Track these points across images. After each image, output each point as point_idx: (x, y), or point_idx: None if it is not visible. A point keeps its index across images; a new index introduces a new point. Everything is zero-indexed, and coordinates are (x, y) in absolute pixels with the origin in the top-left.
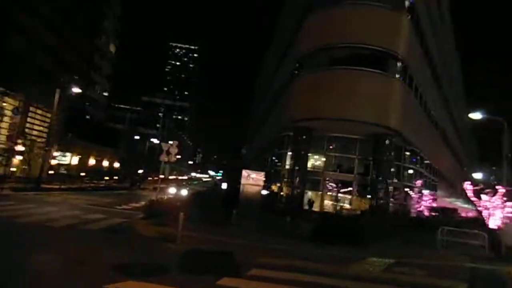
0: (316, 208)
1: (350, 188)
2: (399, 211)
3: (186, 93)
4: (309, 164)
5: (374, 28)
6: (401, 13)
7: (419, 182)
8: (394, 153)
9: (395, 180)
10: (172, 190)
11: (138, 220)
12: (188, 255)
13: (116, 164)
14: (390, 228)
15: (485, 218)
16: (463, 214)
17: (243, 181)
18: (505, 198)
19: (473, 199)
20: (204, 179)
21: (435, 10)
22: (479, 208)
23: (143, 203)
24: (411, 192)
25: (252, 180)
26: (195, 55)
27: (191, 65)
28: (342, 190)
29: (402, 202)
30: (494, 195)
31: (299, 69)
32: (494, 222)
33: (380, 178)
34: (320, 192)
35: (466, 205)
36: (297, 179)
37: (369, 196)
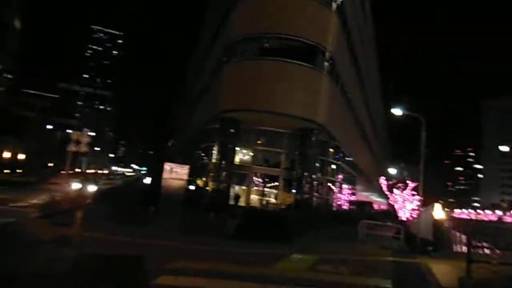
0: (242, 203)
1: (276, 183)
2: (322, 205)
3: (109, 81)
4: (236, 158)
5: (306, 20)
6: (331, 8)
7: (340, 177)
8: (319, 148)
9: (319, 175)
10: (76, 185)
11: (33, 219)
12: (81, 262)
13: (22, 156)
14: (314, 222)
15: (396, 211)
16: (376, 207)
17: (165, 175)
18: (414, 192)
19: (387, 193)
20: (127, 174)
21: (360, 11)
22: (390, 201)
23: (45, 199)
24: (333, 187)
25: (176, 174)
26: (119, 41)
27: (115, 52)
28: (268, 185)
29: (325, 197)
30: (404, 189)
31: (227, 57)
32: (404, 215)
33: (306, 173)
34: (247, 187)
35: (380, 199)
36: (223, 173)
37: (294, 191)
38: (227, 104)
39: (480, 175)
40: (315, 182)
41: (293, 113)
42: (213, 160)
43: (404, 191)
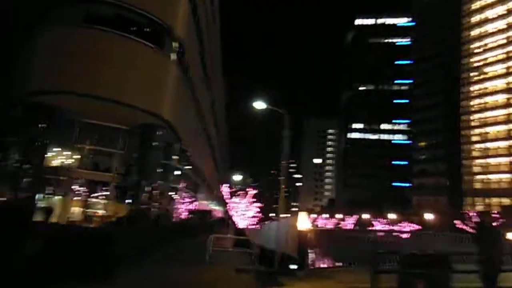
0: (55, 218)
1: (106, 192)
2: (162, 217)
3: None
4: (50, 159)
5: None
6: None
7: (183, 184)
8: (162, 150)
9: (161, 182)
10: None
11: None
12: None
13: None
14: (151, 239)
15: (231, 218)
16: (215, 215)
17: None
18: (253, 199)
19: (228, 200)
20: None
21: (209, 3)
22: (228, 209)
23: None
24: (175, 196)
25: None
26: None
27: None
28: (95, 194)
29: (166, 207)
30: (245, 196)
31: (41, 21)
32: (243, 223)
33: (144, 180)
34: (65, 197)
35: (218, 207)
36: (27, 179)
37: (129, 201)
38: (37, 83)
39: (299, 183)
40: (155, 191)
41: (132, 103)
42: (13, 162)
43: (244, 199)
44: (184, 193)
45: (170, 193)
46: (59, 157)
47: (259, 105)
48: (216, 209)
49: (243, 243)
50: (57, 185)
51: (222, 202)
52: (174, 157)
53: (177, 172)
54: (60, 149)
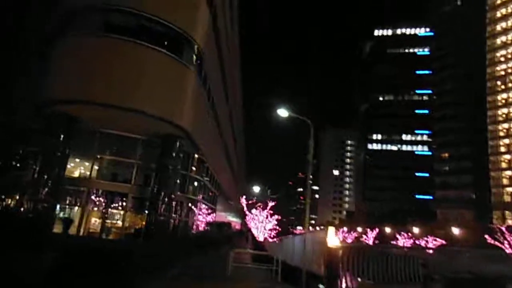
0: (74, 230)
1: (125, 203)
2: (181, 229)
3: None
4: (69, 170)
5: (172, 1)
6: None
7: (201, 195)
8: (181, 160)
9: (180, 193)
10: None
11: None
12: None
13: None
14: (171, 253)
15: (250, 230)
16: (234, 227)
17: None
18: (271, 212)
19: (247, 212)
20: None
21: (228, 12)
22: (246, 221)
23: None
24: (193, 207)
25: None
26: None
27: None
28: (114, 205)
29: (185, 219)
30: (264, 208)
31: (62, 29)
32: (261, 235)
33: (163, 191)
34: (83, 208)
35: (235, 219)
36: (45, 189)
37: (147, 212)
38: (57, 92)
39: (316, 196)
40: (173, 202)
41: (152, 113)
42: (33, 172)
43: (263, 211)
44: (202, 204)
45: (188, 204)
46: (78, 168)
47: (282, 112)
48: (234, 221)
49: (262, 257)
50: (76, 196)
51: (240, 214)
52: (192, 168)
53: (195, 183)
54: (79, 159)
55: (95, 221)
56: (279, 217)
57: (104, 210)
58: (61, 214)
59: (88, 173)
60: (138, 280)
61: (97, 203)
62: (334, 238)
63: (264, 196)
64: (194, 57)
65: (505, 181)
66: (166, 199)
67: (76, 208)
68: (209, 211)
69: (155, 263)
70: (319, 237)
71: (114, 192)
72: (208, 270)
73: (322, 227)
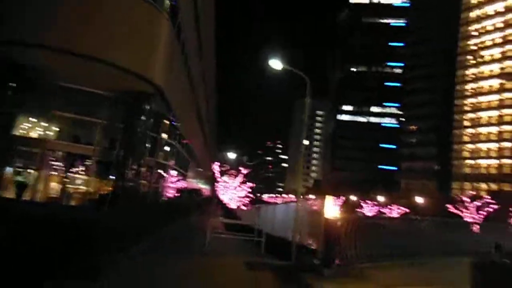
0: (29, 195)
1: (87, 167)
2: (151, 196)
3: None
4: (21, 128)
5: None
6: None
7: (172, 162)
8: (152, 121)
9: (149, 158)
10: None
11: None
12: None
13: None
14: (141, 222)
15: (218, 197)
16: (205, 194)
17: None
18: (245, 179)
19: (219, 179)
20: None
21: None
22: (217, 188)
23: None
24: (164, 173)
25: None
26: None
27: None
28: (75, 169)
29: (155, 185)
30: (237, 176)
31: None
32: (234, 203)
33: (132, 154)
34: (40, 171)
35: (205, 186)
36: None
37: (113, 177)
38: (6, 33)
39: (285, 164)
40: (143, 167)
41: (123, 65)
42: None
43: (236, 178)
44: (173, 170)
45: (159, 170)
46: (35, 127)
47: (275, 64)
48: (204, 188)
49: (237, 226)
50: (32, 158)
51: (211, 180)
52: (164, 130)
53: (167, 148)
54: (35, 117)
55: (54, 185)
56: (253, 185)
57: (64, 174)
58: (17, 178)
59: (45, 133)
60: (104, 256)
61: (56, 166)
62: (332, 209)
63: (240, 162)
64: (167, 3)
65: (466, 154)
66: (134, 164)
67: (32, 171)
68: (181, 177)
69: (123, 234)
70: (314, 208)
71: (76, 155)
72: (183, 242)
73: (290, 194)
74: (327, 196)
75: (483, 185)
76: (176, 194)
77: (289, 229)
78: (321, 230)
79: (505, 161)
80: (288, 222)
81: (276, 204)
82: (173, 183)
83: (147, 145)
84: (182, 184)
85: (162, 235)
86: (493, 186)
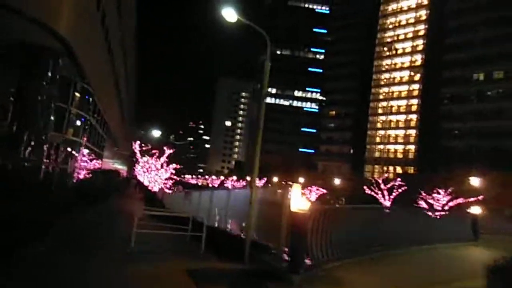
0: None
1: None
2: (55, 177)
3: None
4: None
5: None
6: None
7: (85, 139)
8: (57, 86)
9: (54, 133)
10: None
11: None
12: None
13: None
14: (44, 210)
15: (136, 178)
16: (122, 175)
17: None
18: (167, 160)
19: (139, 159)
20: None
21: None
22: (136, 169)
23: None
24: (74, 152)
25: None
26: None
27: None
28: None
29: (63, 165)
30: (160, 156)
31: None
32: (157, 186)
33: (28, 127)
34: None
35: (122, 166)
36: None
37: (5, 154)
38: None
39: (207, 145)
40: (45, 144)
41: (19, 7)
42: None
43: (161, 158)
44: (86, 148)
45: (68, 148)
46: None
47: (230, 16)
48: (121, 168)
49: (165, 217)
50: None
51: (129, 161)
52: (74, 100)
53: (78, 122)
54: None
55: None
56: (178, 166)
57: None
58: None
59: None
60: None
61: None
62: (300, 200)
63: (163, 143)
64: None
65: (378, 139)
66: (32, 139)
67: None
68: (95, 157)
69: (17, 228)
70: (277, 199)
71: None
72: (99, 237)
73: (214, 176)
74: (294, 185)
75: (391, 168)
76: (89, 176)
77: (233, 220)
78: (284, 226)
79: (410, 147)
80: (235, 212)
81: (213, 188)
82: (86, 163)
83: (51, 117)
84: (97, 165)
85: (72, 226)
86: (399, 169)
